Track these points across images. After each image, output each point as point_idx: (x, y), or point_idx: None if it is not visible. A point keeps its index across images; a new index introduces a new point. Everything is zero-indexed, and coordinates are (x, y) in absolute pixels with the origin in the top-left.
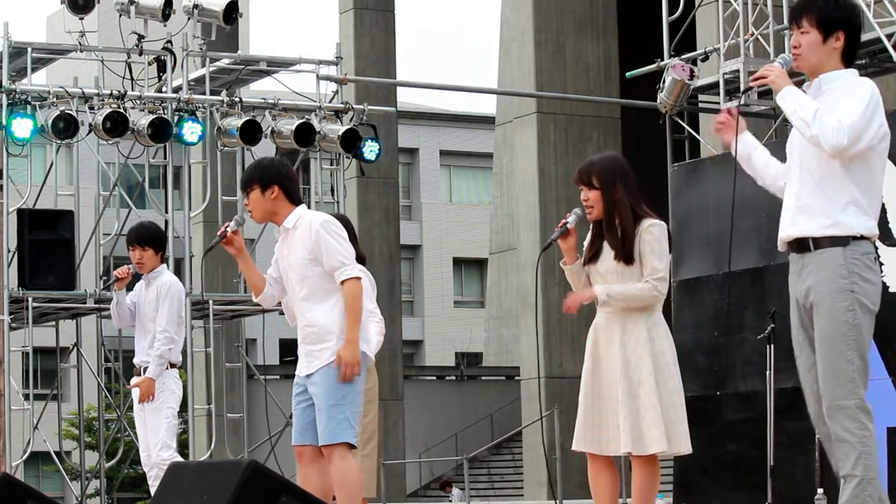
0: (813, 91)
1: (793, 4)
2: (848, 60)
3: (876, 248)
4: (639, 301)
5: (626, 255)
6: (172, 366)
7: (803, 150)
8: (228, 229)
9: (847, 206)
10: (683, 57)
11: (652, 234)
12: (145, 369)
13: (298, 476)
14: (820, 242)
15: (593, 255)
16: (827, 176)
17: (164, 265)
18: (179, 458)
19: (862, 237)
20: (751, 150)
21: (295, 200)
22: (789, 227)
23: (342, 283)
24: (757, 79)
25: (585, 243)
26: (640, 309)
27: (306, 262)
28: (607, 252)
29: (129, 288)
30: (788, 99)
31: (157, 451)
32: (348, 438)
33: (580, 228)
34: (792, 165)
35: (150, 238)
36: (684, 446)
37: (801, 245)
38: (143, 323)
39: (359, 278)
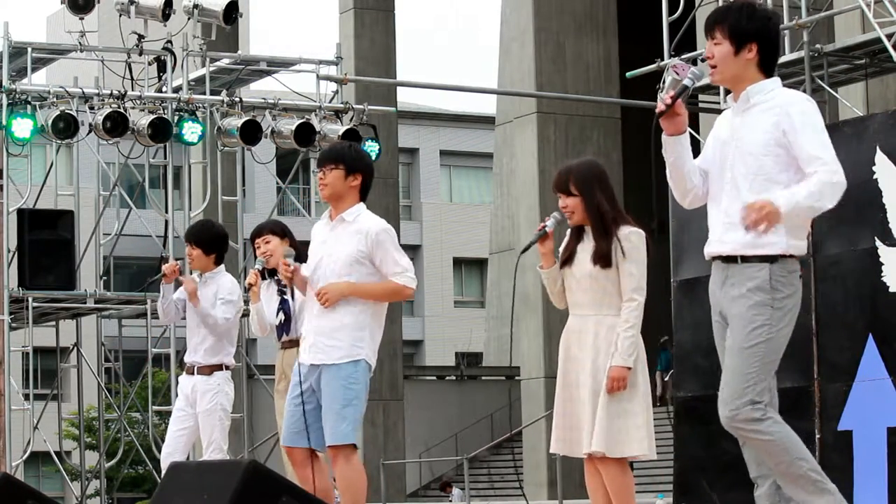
0: (741, 104)
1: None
2: (767, 70)
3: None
4: (636, 329)
5: (606, 259)
6: (227, 368)
7: (734, 166)
8: (284, 269)
9: (778, 226)
10: (683, 57)
11: (631, 241)
12: (195, 368)
13: (296, 477)
14: (748, 259)
15: (567, 259)
16: (763, 194)
17: (223, 267)
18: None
19: (791, 255)
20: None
21: (364, 197)
22: (718, 245)
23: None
24: (757, 223)
25: (561, 247)
26: (613, 314)
27: (353, 260)
28: (581, 256)
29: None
30: (787, 208)
31: (208, 453)
32: (355, 440)
33: (558, 233)
34: (721, 180)
35: (200, 238)
36: (628, 450)
37: (727, 258)
38: (194, 320)
39: (412, 289)
